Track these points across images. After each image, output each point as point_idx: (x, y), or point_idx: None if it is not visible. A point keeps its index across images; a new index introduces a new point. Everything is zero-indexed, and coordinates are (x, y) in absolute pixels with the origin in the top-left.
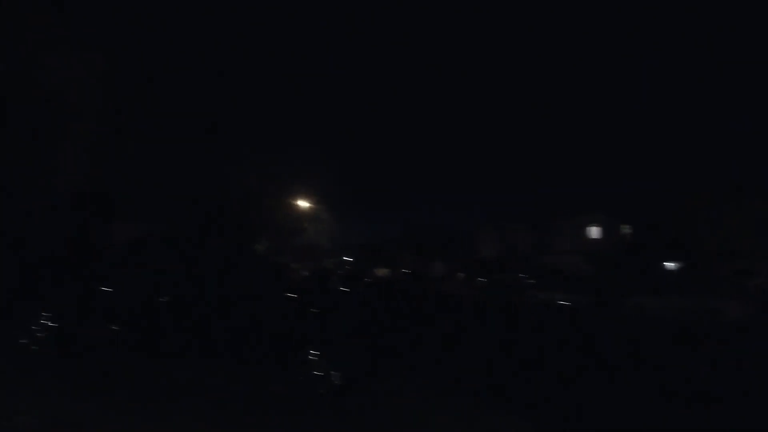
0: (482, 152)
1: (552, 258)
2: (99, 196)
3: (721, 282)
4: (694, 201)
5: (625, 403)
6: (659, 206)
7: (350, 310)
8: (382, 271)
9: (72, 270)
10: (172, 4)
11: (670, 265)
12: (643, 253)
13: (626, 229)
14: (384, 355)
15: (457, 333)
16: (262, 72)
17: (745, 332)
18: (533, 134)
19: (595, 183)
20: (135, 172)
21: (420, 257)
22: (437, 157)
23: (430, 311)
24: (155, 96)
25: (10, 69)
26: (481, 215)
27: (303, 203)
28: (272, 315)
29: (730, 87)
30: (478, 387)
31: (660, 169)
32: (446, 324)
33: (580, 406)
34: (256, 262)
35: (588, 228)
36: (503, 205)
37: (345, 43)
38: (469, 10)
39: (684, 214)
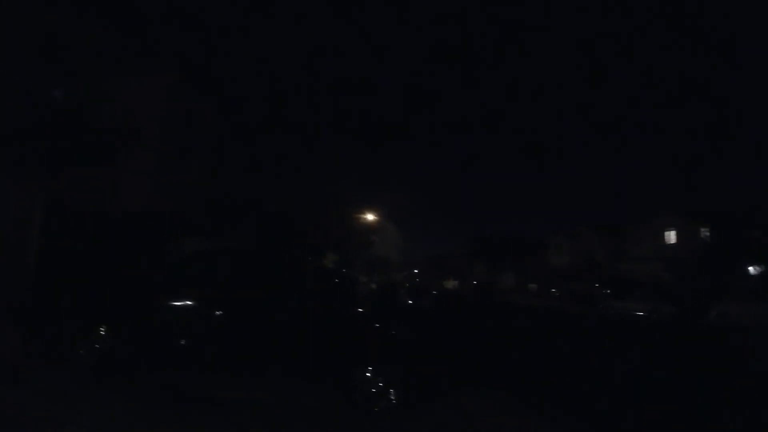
0: (553, 160)
1: (629, 266)
2: (166, 213)
3: None
4: None
5: (716, 421)
6: (740, 205)
7: (414, 324)
8: (450, 283)
9: (131, 285)
10: (241, 26)
11: (753, 269)
12: (725, 257)
13: (706, 232)
14: (448, 371)
15: (526, 347)
16: (330, 89)
17: None
18: (607, 137)
19: (671, 184)
20: (203, 189)
21: (490, 269)
22: (508, 167)
23: (497, 324)
24: (223, 112)
25: (75, 91)
26: (554, 224)
27: (371, 217)
28: (334, 329)
29: None
30: (548, 406)
31: (739, 164)
32: (515, 337)
33: (661, 425)
34: (321, 275)
35: (665, 232)
36: (576, 212)
37: (405, 58)
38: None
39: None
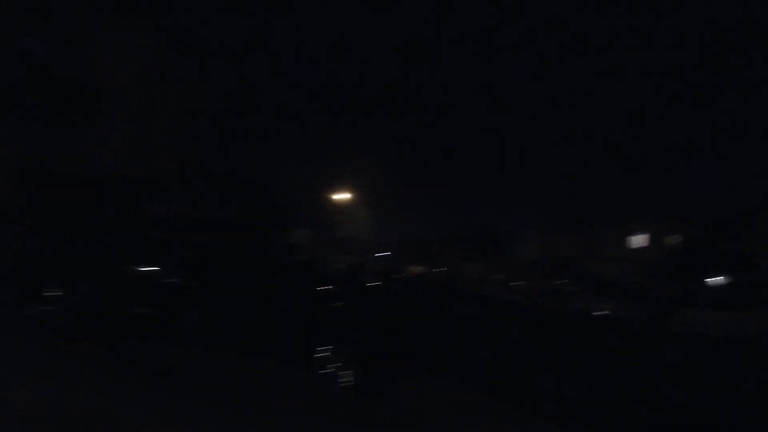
0: (529, 154)
1: (596, 265)
2: (137, 179)
3: None
4: (750, 209)
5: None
6: (713, 214)
7: (373, 307)
8: (416, 269)
9: (95, 252)
10: None
11: (718, 278)
12: (694, 264)
13: (676, 238)
14: (403, 355)
15: (483, 337)
16: (306, 62)
17: None
18: (580, 136)
19: (645, 190)
20: (171, 157)
21: (458, 257)
22: (485, 158)
23: (458, 312)
24: (198, 81)
25: (55, 53)
26: (526, 218)
27: (341, 196)
28: (289, 309)
29: None
30: (500, 397)
31: (716, 175)
32: (473, 327)
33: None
34: (279, 253)
35: (635, 235)
36: (548, 208)
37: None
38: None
39: (739, 223)
